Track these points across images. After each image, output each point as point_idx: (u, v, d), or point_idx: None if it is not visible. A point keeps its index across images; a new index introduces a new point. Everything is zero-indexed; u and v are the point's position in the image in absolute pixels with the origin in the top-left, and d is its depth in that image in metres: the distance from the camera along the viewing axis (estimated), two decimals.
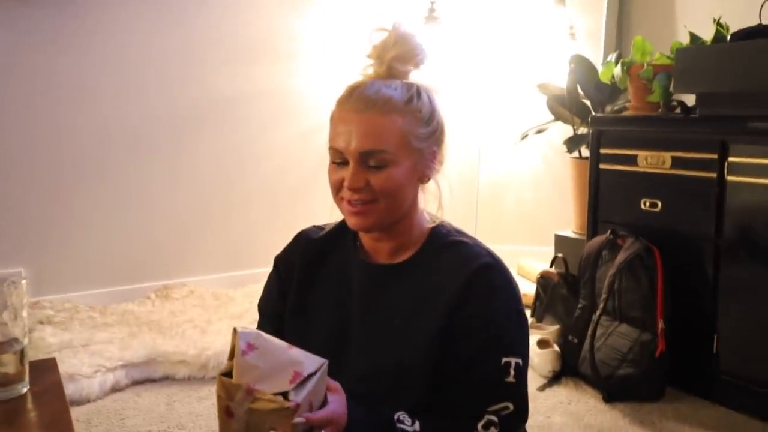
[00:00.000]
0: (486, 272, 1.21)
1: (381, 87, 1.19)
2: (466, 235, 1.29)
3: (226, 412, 1.02)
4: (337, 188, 1.21)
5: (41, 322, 3.01)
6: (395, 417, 1.13)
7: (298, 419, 0.98)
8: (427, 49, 1.24)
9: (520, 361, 1.18)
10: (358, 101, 1.18)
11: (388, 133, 1.16)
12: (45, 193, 3.31)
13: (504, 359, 1.17)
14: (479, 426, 1.15)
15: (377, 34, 1.22)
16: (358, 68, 1.26)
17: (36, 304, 3.17)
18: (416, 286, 1.24)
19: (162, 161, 3.57)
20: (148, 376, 2.75)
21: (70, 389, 2.44)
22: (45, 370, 1.32)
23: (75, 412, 2.33)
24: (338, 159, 1.19)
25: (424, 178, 1.25)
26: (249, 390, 0.99)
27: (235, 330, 1.02)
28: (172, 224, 3.62)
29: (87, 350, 2.74)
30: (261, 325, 1.38)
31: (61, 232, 3.36)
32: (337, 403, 1.06)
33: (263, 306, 1.40)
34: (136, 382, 2.72)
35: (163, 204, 3.60)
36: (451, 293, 1.19)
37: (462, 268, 1.21)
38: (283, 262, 1.37)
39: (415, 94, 1.21)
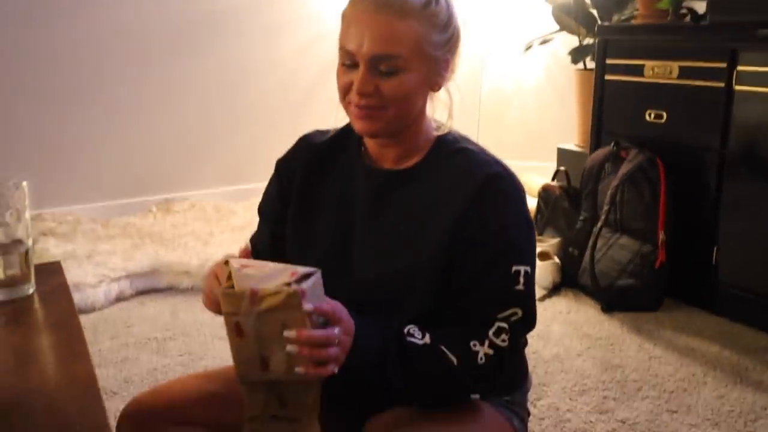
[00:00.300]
0: (496, 180, 1.19)
1: None
2: (473, 143, 1.27)
3: (236, 332, 1.02)
4: (345, 91, 1.17)
5: (44, 234, 3.04)
6: (405, 330, 1.13)
7: (308, 306, 0.97)
8: None
9: (528, 269, 1.18)
10: (374, 1, 1.13)
11: (403, 37, 1.12)
12: (47, 108, 3.30)
13: (514, 267, 1.16)
14: (490, 333, 1.15)
15: None
16: None
17: (38, 216, 3.19)
18: (422, 192, 1.22)
19: (164, 72, 3.55)
20: (152, 286, 2.81)
21: (76, 298, 2.45)
22: (50, 273, 1.34)
23: (81, 320, 2.36)
24: (348, 61, 1.15)
25: (435, 86, 1.21)
26: (253, 292, 0.98)
27: (226, 261, 1.02)
28: (173, 138, 3.62)
29: (91, 261, 2.79)
30: (260, 227, 1.37)
31: (62, 146, 3.36)
32: (342, 310, 1.07)
33: (263, 208, 1.38)
34: (141, 292, 2.78)
35: (165, 118, 3.58)
36: (459, 200, 1.18)
37: (471, 175, 1.19)
38: (284, 165, 1.35)
39: None
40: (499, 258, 1.17)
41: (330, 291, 1.08)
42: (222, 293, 1.01)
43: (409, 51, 1.13)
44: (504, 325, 1.16)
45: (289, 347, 0.99)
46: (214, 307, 1.12)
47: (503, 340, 1.16)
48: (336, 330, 1.02)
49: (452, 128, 1.29)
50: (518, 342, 1.21)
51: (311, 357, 0.99)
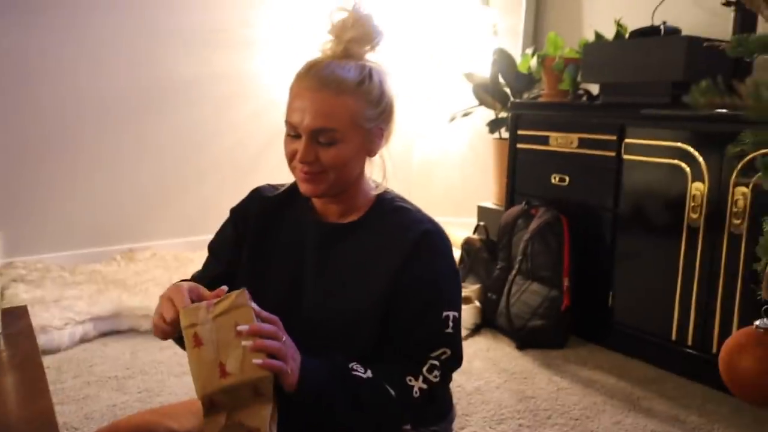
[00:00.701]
0: (428, 238, 1.19)
1: (335, 68, 1.14)
2: (408, 202, 1.28)
3: (195, 343, 1.00)
4: (290, 158, 1.17)
5: (14, 280, 2.93)
6: (349, 365, 1.11)
7: (254, 305, 0.99)
8: (384, 32, 1.18)
9: (456, 314, 1.18)
10: (314, 80, 1.13)
11: (339, 113, 1.12)
12: (19, 163, 3.21)
13: (444, 313, 1.16)
14: (424, 370, 1.15)
15: (337, 13, 1.15)
16: (315, 45, 1.19)
17: (9, 265, 3.08)
18: (364, 245, 1.22)
19: (129, 135, 3.49)
20: (114, 329, 2.71)
21: (42, 340, 2.38)
22: (16, 317, 1.28)
23: (46, 361, 2.27)
24: (293, 132, 1.16)
25: (371, 152, 1.22)
26: (208, 304, 1.00)
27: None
28: (136, 193, 3.55)
29: (58, 305, 2.68)
30: (209, 262, 1.34)
31: (34, 198, 3.26)
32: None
33: (215, 247, 1.35)
34: (104, 334, 2.68)
35: (129, 174, 3.52)
36: (397, 255, 1.18)
37: (406, 232, 1.19)
38: (239, 213, 1.32)
39: (367, 76, 1.16)
40: (431, 305, 1.17)
41: (283, 323, 1.07)
42: (182, 310, 1.01)
43: (344, 125, 1.13)
44: (436, 362, 1.16)
45: (244, 342, 0.98)
46: (162, 334, 1.09)
47: (435, 376, 1.16)
48: (283, 336, 1.02)
49: (388, 188, 1.30)
50: (448, 378, 1.21)
51: (263, 347, 0.99)
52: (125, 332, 2.71)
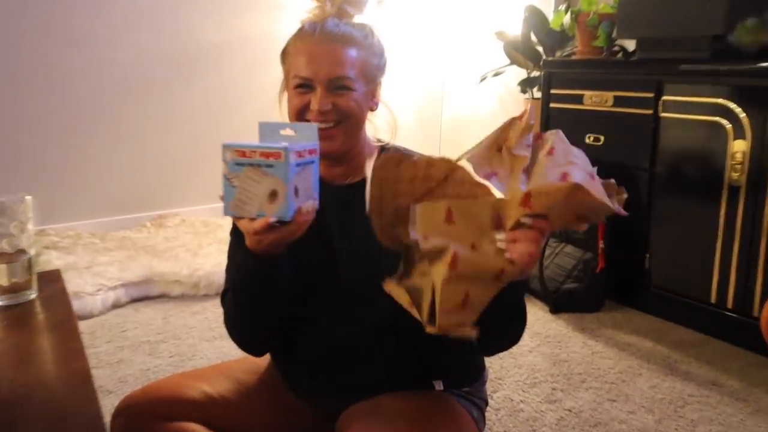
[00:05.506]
0: None
1: (340, 24, 1.21)
2: (411, 152, 1.29)
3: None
4: (300, 111, 1.21)
5: (47, 247, 2.98)
6: None
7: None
8: None
9: None
10: (323, 35, 1.19)
11: (351, 62, 1.19)
12: (51, 132, 3.26)
13: None
14: None
15: None
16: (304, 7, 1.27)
17: (42, 232, 3.14)
18: None
19: (157, 102, 3.52)
20: (145, 294, 2.76)
21: (75, 306, 2.40)
22: (50, 281, 1.31)
23: (80, 326, 2.31)
24: (304, 84, 1.20)
25: (373, 106, 1.28)
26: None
27: None
28: (165, 160, 3.59)
29: (90, 271, 2.73)
30: (234, 239, 1.33)
31: (65, 166, 3.31)
32: None
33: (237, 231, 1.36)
34: (135, 300, 2.73)
35: (158, 141, 3.55)
36: None
37: None
38: None
39: (370, 33, 1.25)
40: None
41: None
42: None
43: (356, 72, 1.20)
44: None
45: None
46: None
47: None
48: None
49: (387, 141, 1.34)
50: None
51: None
52: (156, 297, 2.76)
